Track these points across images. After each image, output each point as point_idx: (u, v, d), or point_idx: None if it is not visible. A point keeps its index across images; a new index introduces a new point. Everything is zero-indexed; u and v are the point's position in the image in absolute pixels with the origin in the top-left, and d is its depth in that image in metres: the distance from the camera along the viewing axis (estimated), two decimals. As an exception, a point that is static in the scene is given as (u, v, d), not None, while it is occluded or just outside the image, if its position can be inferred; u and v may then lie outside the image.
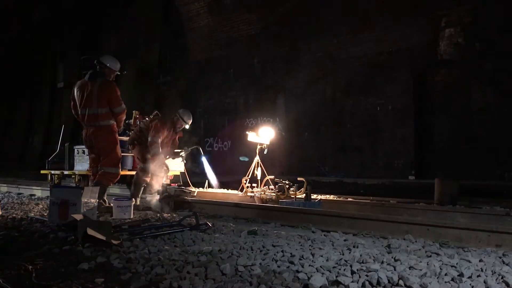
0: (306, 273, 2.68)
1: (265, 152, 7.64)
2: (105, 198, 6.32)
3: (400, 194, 8.71)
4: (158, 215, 5.73)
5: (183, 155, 7.62)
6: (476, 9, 10.27)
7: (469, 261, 2.93)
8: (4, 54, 24.10)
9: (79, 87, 6.40)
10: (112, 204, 5.70)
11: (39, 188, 9.47)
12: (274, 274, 2.69)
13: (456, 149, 10.67)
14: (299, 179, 6.91)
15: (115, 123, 6.36)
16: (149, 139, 6.82)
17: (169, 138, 7.27)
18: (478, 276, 2.63)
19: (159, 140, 6.89)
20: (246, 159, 8.46)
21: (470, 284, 2.50)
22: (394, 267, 2.78)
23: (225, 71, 15.44)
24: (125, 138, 7.46)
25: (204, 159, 8.01)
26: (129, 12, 19.61)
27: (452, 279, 2.59)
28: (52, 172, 8.50)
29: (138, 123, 7.74)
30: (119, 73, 6.65)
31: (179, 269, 2.82)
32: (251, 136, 7.65)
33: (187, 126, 7.36)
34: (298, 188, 6.78)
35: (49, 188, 7.51)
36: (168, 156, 7.33)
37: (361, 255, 3.03)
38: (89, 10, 20.80)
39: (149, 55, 18.49)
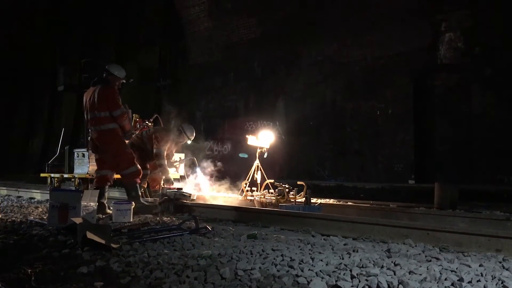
0: (305, 278, 2.67)
1: (265, 156, 7.66)
2: (139, 193, 6.40)
3: (400, 198, 8.72)
4: (158, 218, 5.73)
5: (177, 165, 7.79)
6: (476, 14, 10.29)
7: (469, 266, 2.92)
8: (4, 57, 24.14)
9: (86, 93, 6.59)
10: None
11: (38, 191, 9.45)
12: (274, 278, 2.69)
13: (456, 153, 10.66)
14: (298, 183, 6.90)
15: (118, 127, 6.38)
16: (155, 150, 7.14)
17: (169, 150, 7.46)
18: (478, 281, 2.62)
19: (164, 152, 7.22)
20: (246, 156, 8.51)
21: (470, 289, 2.50)
22: (394, 272, 2.77)
23: (225, 74, 15.46)
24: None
25: (198, 170, 8.13)
26: (129, 16, 19.66)
27: (452, 284, 2.58)
28: (52, 175, 8.52)
29: (138, 126, 7.78)
30: (124, 81, 6.73)
31: (179, 273, 2.82)
32: (251, 140, 7.66)
33: (189, 142, 7.58)
34: (298, 192, 6.78)
35: (48, 191, 7.50)
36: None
37: (360, 260, 3.03)
38: (89, 13, 20.85)
39: (150, 58, 18.52)
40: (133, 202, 6.21)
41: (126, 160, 6.36)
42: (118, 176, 6.70)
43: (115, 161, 6.38)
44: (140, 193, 6.42)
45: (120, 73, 6.59)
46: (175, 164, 7.82)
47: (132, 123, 7.72)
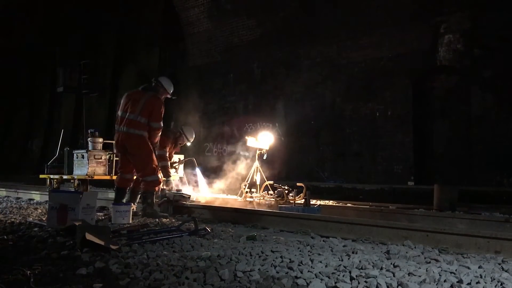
0: (305, 279, 2.67)
1: (264, 157, 7.66)
2: (154, 200, 6.40)
3: (399, 199, 8.72)
4: (157, 220, 5.73)
5: (177, 166, 7.83)
6: (475, 15, 10.29)
7: (468, 268, 2.93)
8: (4, 58, 24.14)
9: (130, 94, 6.62)
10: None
11: (38, 192, 9.44)
12: (273, 280, 2.69)
13: (455, 154, 10.67)
14: (298, 184, 6.91)
15: (147, 135, 6.35)
16: (157, 152, 7.16)
17: (169, 152, 7.51)
18: (477, 282, 2.62)
19: (167, 154, 7.31)
20: (247, 154, 8.52)
21: (469, 291, 2.50)
22: (393, 274, 2.77)
23: (225, 76, 15.45)
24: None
25: (198, 170, 8.18)
26: (129, 17, 19.66)
27: (451, 286, 2.58)
28: (51, 176, 8.50)
29: None
30: (169, 96, 6.83)
31: (178, 274, 2.82)
32: (251, 141, 7.67)
33: (188, 144, 7.63)
34: (297, 194, 6.78)
35: (48, 193, 7.50)
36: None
37: (360, 261, 3.03)
38: (89, 15, 20.85)
39: (149, 59, 18.51)
40: (132, 204, 6.24)
41: (152, 168, 6.36)
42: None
43: (141, 166, 6.36)
44: (154, 200, 6.43)
45: (169, 87, 6.70)
46: (174, 165, 7.86)
47: None
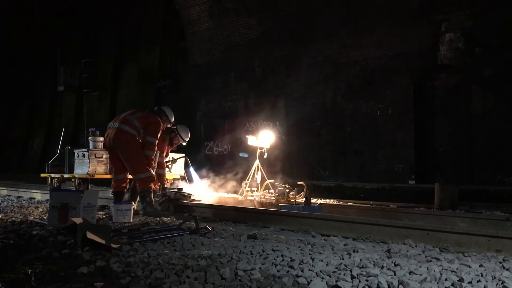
0: (305, 278, 2.68)
1: (265, 156, 7.66)
2: (152, 198, 6.36)
3: (400, 198, 8.72)
4: (158, 218, 5.73)
5: (170, 166, 7.76)
6: (476, 14, 10.28)
7: (469, 266, 2.93)
8: (4, 57, 24.15)
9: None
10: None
11: (39, 191, 9.45)
12: (274, 278, 2.69)
13: (456, 153, 10.66)
14: (299, 183, 6.92)
15: (137, 138, 6.35)
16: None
17: (166, 152, 7.47)
18: (478, 281, 2.62)
19: (164, 161, 7.27)
20: (246, 155, 8.52)
21: (470, 290, 2.49)
22: (394, 272, 2.77)
23: (226, 74, 15.45)
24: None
25: (191, 169, 8.13)
26: (129, 16, 19.66)
27: (452, 284, 2.58)
28: (52, 175, 8.51)
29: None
30: (170, 125, 7.03)
31: (179, 273, 2.82)
32: (251, 140, 7.67)
33: (184, 143, 7.48)
34: (298, 192, 6.78)
35: (49, 192, 7.50)
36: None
37: (361, 260, 3.03)
38: (90, 13, 20.86)
39: (150, 58, 18.52)
40: (133, 203, 6.23)
41: (142, 164, 6.31)
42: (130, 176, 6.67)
43: (131, 162, 6.33)
44: (154, 199, 6.41)
45: (170, 117, 6.90)
46: (167, 164, 7.73)
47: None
